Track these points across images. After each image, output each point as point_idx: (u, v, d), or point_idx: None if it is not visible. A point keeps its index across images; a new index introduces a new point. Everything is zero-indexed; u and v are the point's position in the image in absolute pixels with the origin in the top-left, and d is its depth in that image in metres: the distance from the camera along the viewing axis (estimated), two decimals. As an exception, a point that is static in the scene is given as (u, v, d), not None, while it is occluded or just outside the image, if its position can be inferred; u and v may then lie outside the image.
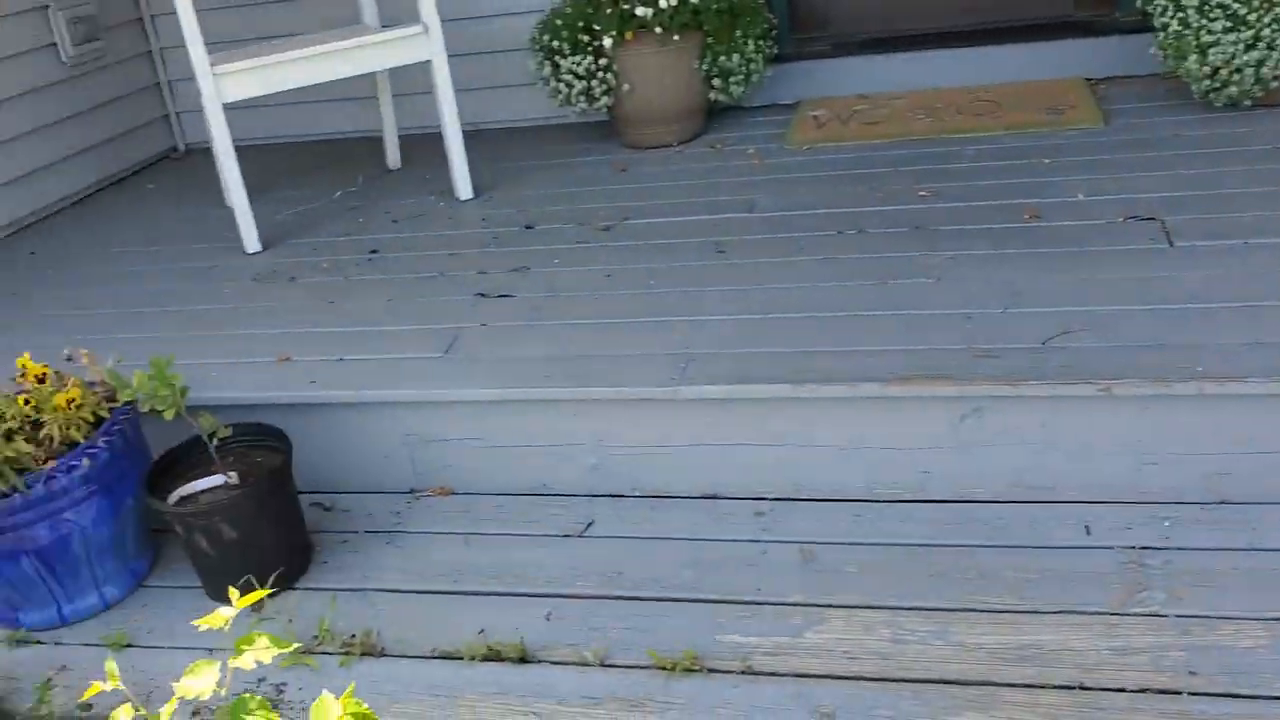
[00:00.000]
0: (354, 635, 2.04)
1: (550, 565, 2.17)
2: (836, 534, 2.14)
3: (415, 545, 2.29)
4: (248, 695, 1.42)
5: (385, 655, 2.01)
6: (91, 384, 2.19)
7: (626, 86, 3.61)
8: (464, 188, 3.49)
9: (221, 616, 1.44)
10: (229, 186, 3.19)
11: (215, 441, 2.15)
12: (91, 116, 4.11)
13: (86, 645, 2.15)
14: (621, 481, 2.33)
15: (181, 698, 1.38)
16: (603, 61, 3.58)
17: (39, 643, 2.18)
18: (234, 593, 1.46)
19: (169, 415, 2.06)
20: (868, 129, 3.61)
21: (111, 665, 1.42)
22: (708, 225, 3.03)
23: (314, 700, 1.32)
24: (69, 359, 2.23)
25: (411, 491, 2.45)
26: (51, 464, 2.08)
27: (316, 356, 2.55)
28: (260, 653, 1.39)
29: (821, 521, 2.18)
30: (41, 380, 2.12)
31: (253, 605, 2.17)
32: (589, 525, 2.27)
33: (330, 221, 3.48)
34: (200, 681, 1.39)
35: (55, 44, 3.94)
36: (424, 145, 4.03)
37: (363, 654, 2.01)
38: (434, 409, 2.37)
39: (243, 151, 3.21)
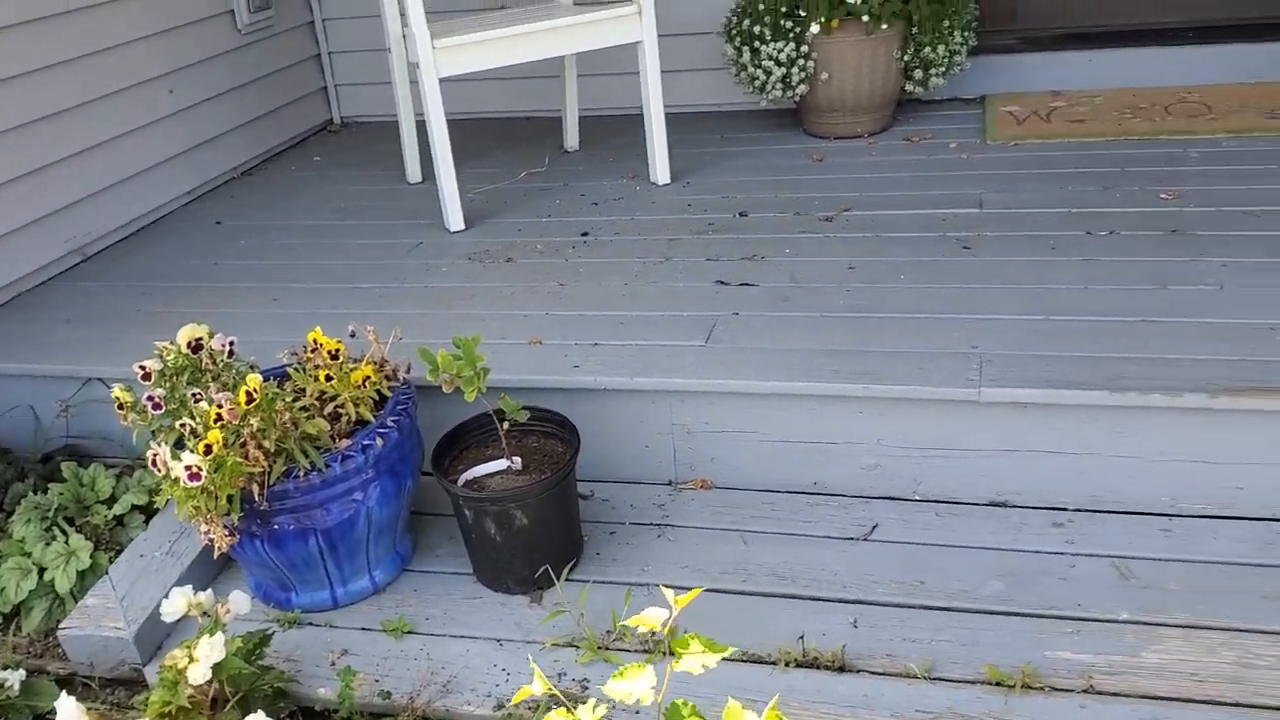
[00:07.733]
0: (653, 632, 1.97)
1: (840, 569, 2.09)
2: (1149, 549, 2.05)
3: (689, 540, 2.22)
4: (680, 702, 1.35)
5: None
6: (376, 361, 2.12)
7: (825, 75, 3.52)
8: (662, 172, 3.41)
9: (654, 620, 1.36)
10: (440, 162, 3.11)
11: (506, 425, 2.09)
12: (257, 87, 4.05)
13: (365, 630, 2.08)
14: (902, 484, 2.25)
15: (619, 702, 1.31)
16: (804, 49, 3.49)
17: (313, 624, 2.12)
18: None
19: (471, 396, 1.99)
20: (1075, 126, 3.50)
21: (535, 667, 1.35)
22: (937, 220, 2.93)
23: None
24: (353, 335, 2.16)
25: (671, 483, 2.38)
26: (346, 443, 2.01)
27: (570, 340, 2.48)
28: (703, 657, 1.32)
29: (1129, 535, 2.10)
30: (335, 356, 2.05)
31: (530, 597, 2.12)
32: (873, 528, 2.19)
33: (524, 203, 3.41)
34: (636, 685, 1.32)
35: (233, 10, 3.88)
36: (598, 128, 3.96)
37: (668, 652, 1.93)
38: (702, 399, 2.29)
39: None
